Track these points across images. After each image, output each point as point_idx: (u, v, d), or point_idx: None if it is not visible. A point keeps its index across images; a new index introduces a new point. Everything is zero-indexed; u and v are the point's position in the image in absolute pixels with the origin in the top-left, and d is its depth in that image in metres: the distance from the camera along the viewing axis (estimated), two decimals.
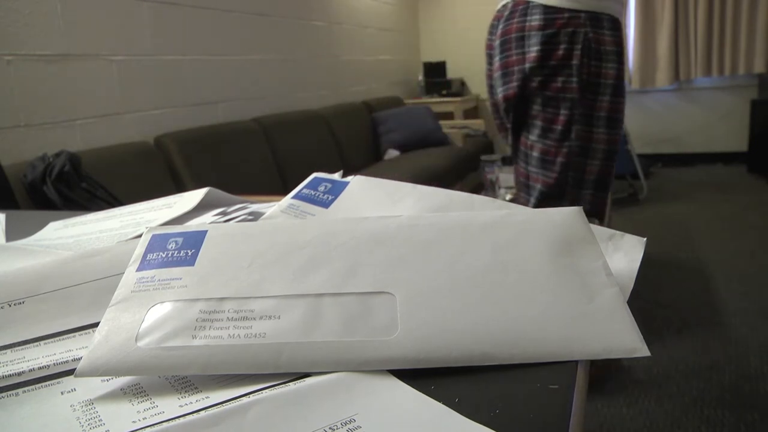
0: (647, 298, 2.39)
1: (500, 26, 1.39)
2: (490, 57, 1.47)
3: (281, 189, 2.85)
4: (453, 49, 5.41)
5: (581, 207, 0.39)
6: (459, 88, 5.16)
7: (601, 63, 1.28)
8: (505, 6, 1.42)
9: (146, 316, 0.34)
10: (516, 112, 1.37)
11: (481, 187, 2.67)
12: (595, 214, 1.39)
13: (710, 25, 4.52)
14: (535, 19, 1.28)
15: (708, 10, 4.49)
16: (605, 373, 1.85)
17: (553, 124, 1.32)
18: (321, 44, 3.79)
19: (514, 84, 1.34)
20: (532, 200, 1.42)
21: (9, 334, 0.38)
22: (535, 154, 1.36)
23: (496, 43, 1.38)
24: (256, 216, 0.56)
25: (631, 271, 0.41)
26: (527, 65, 1.31)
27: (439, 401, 0.29)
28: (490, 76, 1.49)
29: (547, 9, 1.27)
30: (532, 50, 1.28)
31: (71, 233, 0.60)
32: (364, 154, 3.82)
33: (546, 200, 1.38)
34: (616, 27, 1.30)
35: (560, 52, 1.27)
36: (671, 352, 1.97)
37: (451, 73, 5.32)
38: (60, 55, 2.06)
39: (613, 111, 1.31)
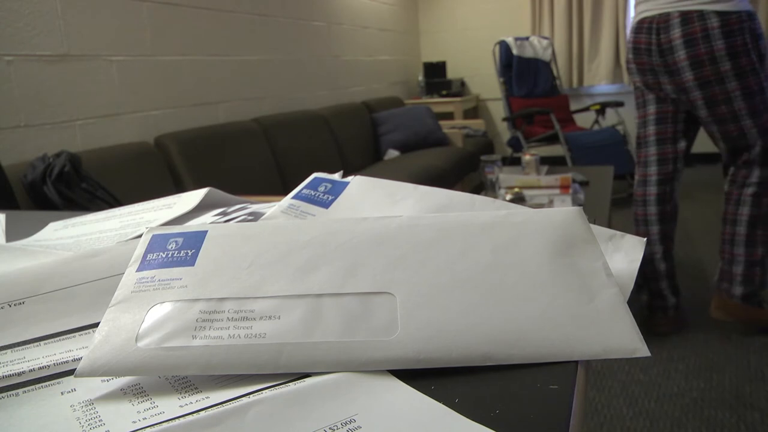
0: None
1: (676, 30, 1.89)
2: (670, 52, 1.94)
3: (281, 189, 2.85)
4: (453, 50, 5.42)
5: (581, 207, 0.39)
6: (459, 89, 5.17)
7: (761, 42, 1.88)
8: (666, 15, 1.91)
9: (146, 316, 0.34)
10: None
11: (481, 187, 2.67)
12: None
13: None
14: (715, 22, 1.83)
15: None
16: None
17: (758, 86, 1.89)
18: (321, 44, 3.79)
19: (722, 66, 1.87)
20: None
21: (9, 334, 0.38)
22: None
23: (680, 42, 1.89)
24: (256, 216, 0.56)
25: (631, 271, 0.41)
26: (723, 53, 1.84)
27: (439, 401, 0.29)
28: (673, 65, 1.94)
29: (722, 14, 1.83)
30: (719, 43, 1.84)
31: (71, 233, 0.60)
32: (364, 154, 3.82)
33: None
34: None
35: (738, 42, 1.83)
36: (671, 352, 1.98)
37: (451, 73, 5.32)
38: (60, 55, 2.06)
39: None
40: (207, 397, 0.31)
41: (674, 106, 2.02)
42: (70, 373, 0.34)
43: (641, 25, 1.99)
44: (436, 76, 5.14)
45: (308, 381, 0.31)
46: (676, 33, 1.88)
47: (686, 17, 1.86)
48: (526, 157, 2.69)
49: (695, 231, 3.21)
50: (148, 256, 0.39)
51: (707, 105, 1.92)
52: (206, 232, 0.40)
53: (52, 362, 0.34)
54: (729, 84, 1.86)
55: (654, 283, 2.09)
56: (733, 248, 1.98)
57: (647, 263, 2.09)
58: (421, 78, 5.23)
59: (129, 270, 0.38)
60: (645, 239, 0.44)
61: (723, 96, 1.88)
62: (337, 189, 0.53)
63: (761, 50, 1.85)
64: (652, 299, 2.10)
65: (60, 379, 0.33)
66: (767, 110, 1.89)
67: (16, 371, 0.33)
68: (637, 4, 2.05)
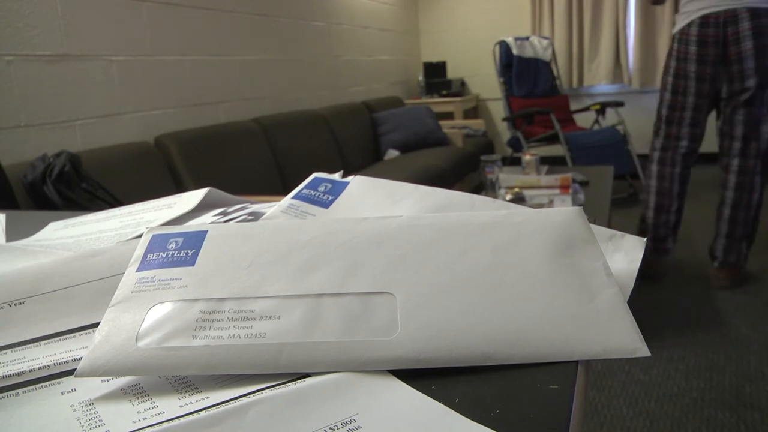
0: (647, 299, 2.39)
1: (745, 23, 2.14)
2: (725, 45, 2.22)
3: (281, 189, 2.85)
4: (453, 50, 5.42)
5: (581, 207, 0.39)
6: (459, 89, 5.17)
7: None
8: (733, 11, 2.15)
9: (146, 316, 0.34)
10: None
11: (481, 187, 2.67)
12: None
13: None
14: None
15: None
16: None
17: None
18: (321, 44, 3.79)
19: None
20: None
21: (9, 334, 0.38)
22: None
23: (749, 33, 2.14)
24: (256, 216, 0.56)
25: (631, 271, 0.41)
26: None
27: (439, 401, 0.29)
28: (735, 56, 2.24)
29: None
30: None
31: (71, 233, 0.60)
32: (364, 154, 3.82)
33: None
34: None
35: None
36: (671, 352, 1.98)
37: (451, 73, 5.32)
38: (60, 55, 2.06)
39: None
40: (207, 397, 0.31)
41: (706, 100, 2.37)
42: (70, 373, 0.34)
43: (707, 21, 2.22)
44: (436, 76, 5.14)
45: (308, 381, 0.31)
46: (746, 25, 2.14)
47: (755, 12, 2.12)
48: (526, 157, 2.69)
49: (695, 231, 3.21)
50: (148, 256, 0.39)
51: (757, 88, 2.21)
52: (206, 232, 0.40)
53: (52, 362, 0.34)
54: None
55: (663, 229, 2.51)
56: (745, 228, 2.38)
57: (663, 212, 2.50)
58: (421, 78, 5.23)
59: (129, 270, 0.38)
60: (645, 239, 0.44)
61: (766, 82, 2.20)
62: (337, 189, 0.53)
63: None
64: (655, 243, 2.53)
65: (60, 379, 0.33)
66: None
67: (16, 371, 0.33)
68: (689, 1, 2.26)
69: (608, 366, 1.92)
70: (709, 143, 4.79)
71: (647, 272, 2.56)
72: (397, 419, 0.28)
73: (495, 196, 2.33)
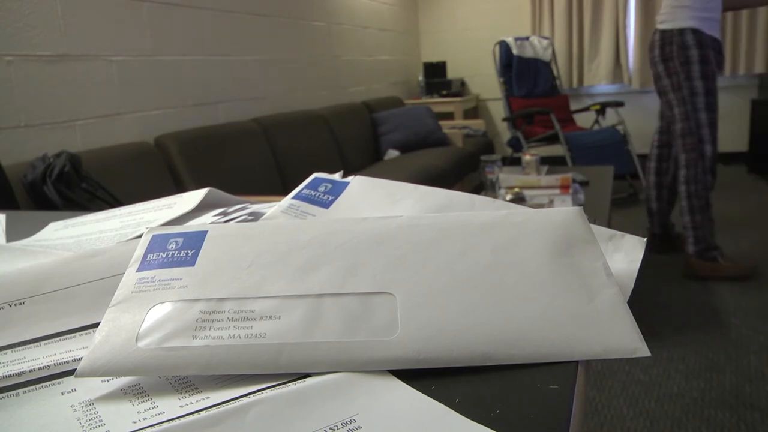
0: (647, 299, 2.40)
1: (652, 39, 2.63)
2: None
3: (281, 189, 2.85)
4: (453, 50, 5.42)
5: (581, 207, 0.39)
6: (459, 89, 5.16)
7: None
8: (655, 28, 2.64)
9: (146, 316, 0.34)
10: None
11: (481, 187, 2.67)
12: None
13: None
14: (657, 36, 2.58)
15: None
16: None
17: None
18: (321, 44, 3.79)
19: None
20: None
21: (9, 334, 0.38)
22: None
23: (652, 47, 2.66)
24: (256, 216, 0.56)
25: (631, 271, 0.41)
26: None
27: (439, 401, 0.29)
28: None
29: (662, 31, 2.57)
30: (657, 51, 2.63)
31: (71, 234, 0.60)
32: (364, 154, 3.82)
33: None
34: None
35: (667, 51, 2.59)
36: (671, 352, 1.98)
37: (452, 73, 5.32)
38: (60, 55, 2.06)
39: None
40: (207, 397, 0.31)
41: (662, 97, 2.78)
42: (71, 373, 0.34)
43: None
44: (436, 76, 5.14)
45: (308, 381, 0.31)
46: (656, 37, 2.63)
47: (655, 30, 2.62)
48: (526, 157, 2.69)
49: None
50: (149, 256, 0.39)
51: (660, 93, 2.66)
52: (206, 232, 0.40)
53: (53, 362, 0.34)
54: (665, 80, 2.58)
55: (650, 216, 2.89)
56: (683, 217, 2.60)
57: (648, 201, 2.91)
58: (421, 78, 5.22)
59: (129, 270, 0.38)
60: (645, 239, 0.44)
61: (663, 89, 2.61)
62: (337, 189, 0.53)
63: (688, 58, 2.50)
64: (652, 225, 2.91)
65: (60, 379, 0.33)
66: (686, 104, 2.51)
67: (17, 371, 0.33)
68: None
69: (608, 366, 1.92)
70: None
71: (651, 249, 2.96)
72: (397, 419, 0.28)
73: (495, 196, 2.33)
